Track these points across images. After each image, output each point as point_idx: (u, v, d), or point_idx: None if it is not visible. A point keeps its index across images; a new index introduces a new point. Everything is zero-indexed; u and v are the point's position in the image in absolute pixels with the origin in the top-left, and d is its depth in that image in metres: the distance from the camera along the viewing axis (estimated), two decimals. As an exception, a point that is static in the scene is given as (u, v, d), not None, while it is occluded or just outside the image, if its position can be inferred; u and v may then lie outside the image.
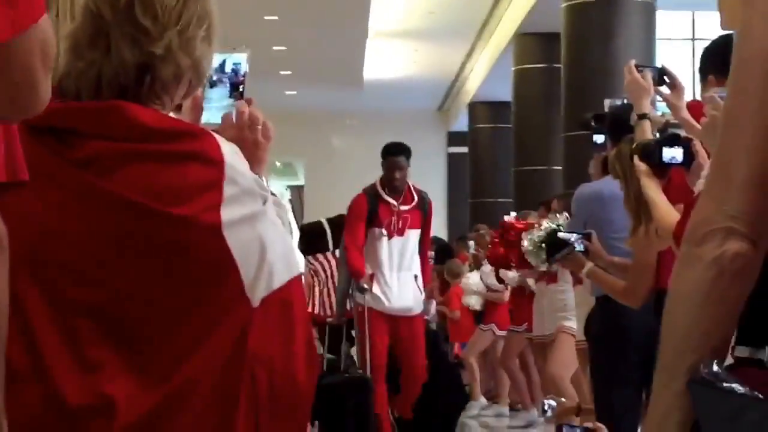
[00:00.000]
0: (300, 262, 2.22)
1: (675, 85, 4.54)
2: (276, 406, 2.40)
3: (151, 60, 2.26)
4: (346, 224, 9.06)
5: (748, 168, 1.46)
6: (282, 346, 2.42)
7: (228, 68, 2.71)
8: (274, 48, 19.06)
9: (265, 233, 2.37)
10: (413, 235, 8.95)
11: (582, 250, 5.28)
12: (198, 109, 2.63)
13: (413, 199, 9.00)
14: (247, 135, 2.60)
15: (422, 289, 9.13)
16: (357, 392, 7.90)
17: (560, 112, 13.82)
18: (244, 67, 2.72)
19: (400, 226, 8.82)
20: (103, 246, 1.67)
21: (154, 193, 2.17)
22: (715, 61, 3.80)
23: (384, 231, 8.80)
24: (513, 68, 17.40)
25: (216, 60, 2.64)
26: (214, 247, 2.27)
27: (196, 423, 2.29)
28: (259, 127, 2.64)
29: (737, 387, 1.41)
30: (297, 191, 26.56)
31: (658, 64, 4.76)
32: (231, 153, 2.36)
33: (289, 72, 21.38)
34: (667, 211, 3.95)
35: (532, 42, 16.85)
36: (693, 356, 1.50)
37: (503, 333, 11.41)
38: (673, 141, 4.04)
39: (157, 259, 2.22)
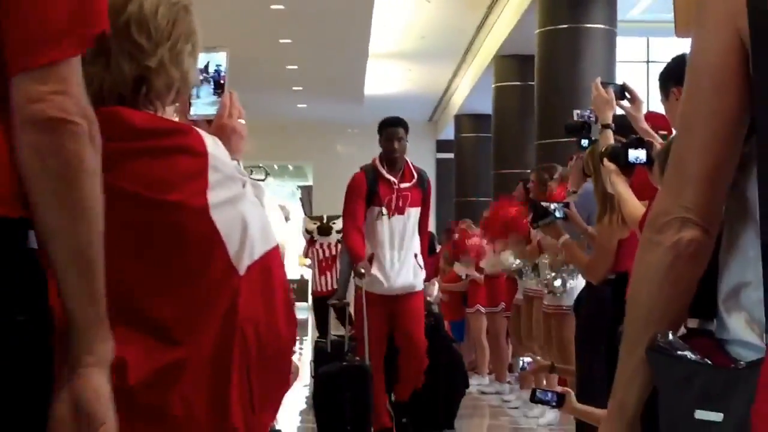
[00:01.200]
0: (276, 235, 2.35)
1: (634, 99, 4.63)
2: (263, 356, 2.43)
3: (146, 73, 2.32)
4: (345, 204, 7.59)
5: (700, 166, 1.50)
6: (265, 306, 2.45)
7: (211, 69, 2.76)
8: (288, 67, 19.11)
9: (245, 212, 2.41)
10: (413, 214, 7.49)
11: (562, 216, 5.21)
12: (185, 109, 2.72)
13: (413, 177, 7.54)
14: (227, 122, 2.69)
15: (422, 266, 7.63)
16: (354, 381, 6.57)
17: (534, 123, 13.82)
18: (225, 66, 2.77)
19: (400, 204, 7.38)
20: (109, 232, 1.61)
21: (149, 183, 2.20)
22: (677, 75, 3.82)
23: (384, 210, 7.36)
24: (493, 85, 17.64)
25: (201, 61, 2.68)
26: (204, 226, 2.31)
27: (199, 374, 2.33)
28: (239, 117, 2.74)
29: (689, 354, 1.45)
30: (306, 190, 26.66)
31: (620, 82, 4.78)
32: (213, 145, 2.40)
33: (300, 88, 21.41)
34: (634, 205, 3.99)
35: (509, 63, 17.03)
36: (653, 328, 1.55)
37: (486, 310, 10.98)
38: (637, 143, 4.07)
39: (155, 240, 2.26)
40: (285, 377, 2.65)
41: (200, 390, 2.36)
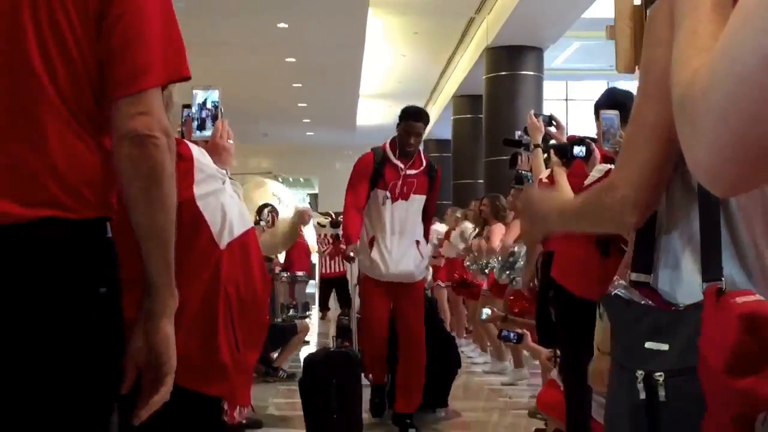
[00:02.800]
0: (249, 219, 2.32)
1: (558, 126, 4.67)
2: (244, 307, 2.43)
3: None
4: (349, 182, 5.76)
5: (646, 153, 1.29)
6: (244, 271, 2.45)
7: (209, 103, 2.71)
8: (299, 105, 18.96)
9: (224, 202, 2.40)
10: (418, 201, 5.74)
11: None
12: (189, 132, 2.71)
13: (421, 164, 5.77)
14: (218, 142, 2.67)
15: (423, 255, 5.88)
16: (340, 368, 5.00)
17: (482, 146, 13.70)
18: (218, 102, 2.72)
19: (404, 190, 5.68)
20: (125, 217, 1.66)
21: None
22: (603, 104, 3.91)
23: (388, 194, 5.64)
24: (452, 118, 17.07)
25: (200, 98, 2.69)
26: (192, 212, 2.31)
27: (192, 322, 2.30)
28: (227, 138, 2.70)
29: (637, 299, 1.34)
30: (314, 198, 26.54)
31: (548, 113, 4.88)
32: (198, 153, 2.42)
33: (308, 120, 21.20)
34: (566, 190, 3.83)
35: (464, 101, 16.55)
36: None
37: (445, 284, 10.40)
38: (580, 142, 3.99)
39: None
40: (263, 322, 2.63)
41: (194, 335, 2.33)
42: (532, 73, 12.93)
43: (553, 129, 4.67)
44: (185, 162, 2.30)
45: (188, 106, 2.77)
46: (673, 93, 0.95)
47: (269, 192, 5.78)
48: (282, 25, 12.55)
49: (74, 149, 1.49)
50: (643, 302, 1.33)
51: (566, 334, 4.08)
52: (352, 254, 5.64)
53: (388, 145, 5.71)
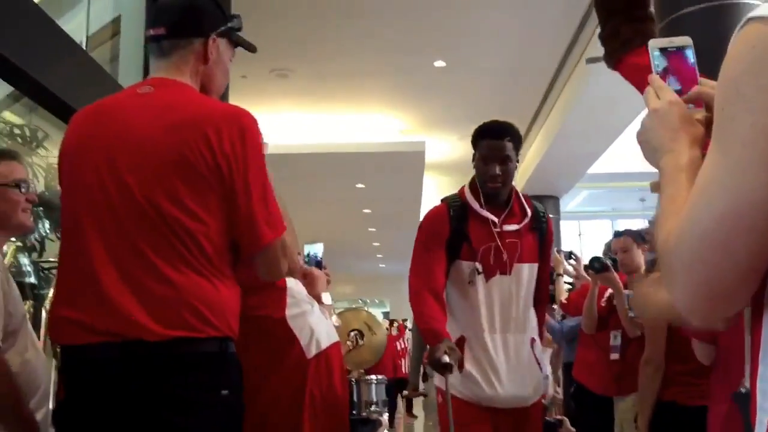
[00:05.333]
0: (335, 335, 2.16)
1: (577, 259, 4.79)
2: (326, 407, 2.31)
3: None
4: (414, 254, 2.66)
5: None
6: (326, 376, 2.34)
7: (313, 254, 2.65)
8: (374, 244, 19.14)
9: (312, 321, 2.30)
10: (527, 273, 2.62)
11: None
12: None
13: (525, 214, 2.66)
14: (312, 272, 2.55)
15: (543, 364, 2.71)
16: None
17: None
18: (321, 253, 2.64)
19: (505, 258, 2.58)
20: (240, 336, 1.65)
21: (254, 306, 2.03)
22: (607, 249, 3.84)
23: (478, 266, 2.57)
24: None
25: (307, 250, 2.66)
26: (285, 328, 2.23)
27: (282, 420, 2.21)
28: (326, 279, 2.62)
29: None
30: (386, 315, 26.30)
31: (568, 250, 4.97)
32: (291, 283, 2.32)
33: (381, 255, 21.34)
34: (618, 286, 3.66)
35: None
36: None
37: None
38: (605, 259, 3.83)
39: (257, 339, 2.12)
40: (344, 422, 2.44)
41: (283, 429, 2.25)
42: (551, 216, 12.81)
43: (573, 261, 4.76)
44: (280, 290, 2.28)
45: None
46: (656, 246, 0.93)
47: (361, 319, 5.75)
48: (360, 185, 12.85)
49: (202, 288, 1.52)
50: None
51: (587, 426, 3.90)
52: (447, 358, 2.41)
53: (467, 190, 2.72)
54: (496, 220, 2.66)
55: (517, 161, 2.70)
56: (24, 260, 4.47)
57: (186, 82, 1.65)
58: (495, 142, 2.66)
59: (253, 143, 1.56)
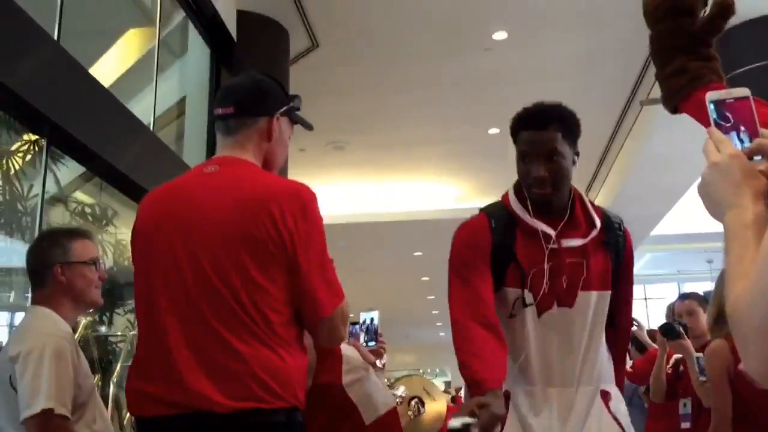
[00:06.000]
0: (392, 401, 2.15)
1: (639, 325, 4.66)
2: None
3: None
4: (451, 280, 1.85)
5: None
6: None
7: (367, 321, 2.66)
8: (433, 312, 18.95)
9: (368, 388, 2.28)
10: (597, 304, 1.79)
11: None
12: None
13: (592, 226, 1.82)
14: (368, 357, 2.46)
15: (624, 425, 1.74)
16: None
17: None
18: (377, 321, 2.65)
19: (565, 283, 1.75)
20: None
21: (315, 374, 2.04)
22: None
23: (528, 295, 1.76)
24: None
25: (362, 318, 2.66)
26: (342, 396, 2.23)
27: None
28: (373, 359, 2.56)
29: None
30: (447, 384, 25.84)
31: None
32: (346, 349, 2.32)
33: (440, 323, 21.05)
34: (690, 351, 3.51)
35: None
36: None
37: None
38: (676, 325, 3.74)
39: (320, 407, 2.08)
40: None
41: None
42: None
43: (635, 327, 4.67)
44: (335, 359, 2.30)
45: (355, 323, 2.76)
46: (726, 310, 0.90)
47: (420, 386, 5.72)
48: (417, 253, 12.88)
49: (268, 360, 1.56)
50: None
51: None
52: (493, 408, 1.63)
53: (511, 195, 1.99)
54: (552, 233, 1.87)
55: (576, 154, 1.89)
56: (93, 334, 4.59)
57: (249, 159, 1.72)
58: (536, 134, 1.86)
59: (313, 217, 1.62)
